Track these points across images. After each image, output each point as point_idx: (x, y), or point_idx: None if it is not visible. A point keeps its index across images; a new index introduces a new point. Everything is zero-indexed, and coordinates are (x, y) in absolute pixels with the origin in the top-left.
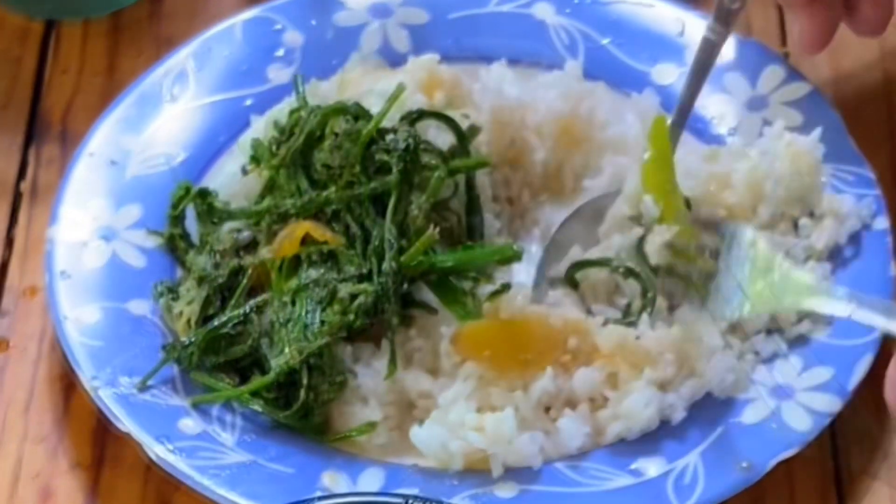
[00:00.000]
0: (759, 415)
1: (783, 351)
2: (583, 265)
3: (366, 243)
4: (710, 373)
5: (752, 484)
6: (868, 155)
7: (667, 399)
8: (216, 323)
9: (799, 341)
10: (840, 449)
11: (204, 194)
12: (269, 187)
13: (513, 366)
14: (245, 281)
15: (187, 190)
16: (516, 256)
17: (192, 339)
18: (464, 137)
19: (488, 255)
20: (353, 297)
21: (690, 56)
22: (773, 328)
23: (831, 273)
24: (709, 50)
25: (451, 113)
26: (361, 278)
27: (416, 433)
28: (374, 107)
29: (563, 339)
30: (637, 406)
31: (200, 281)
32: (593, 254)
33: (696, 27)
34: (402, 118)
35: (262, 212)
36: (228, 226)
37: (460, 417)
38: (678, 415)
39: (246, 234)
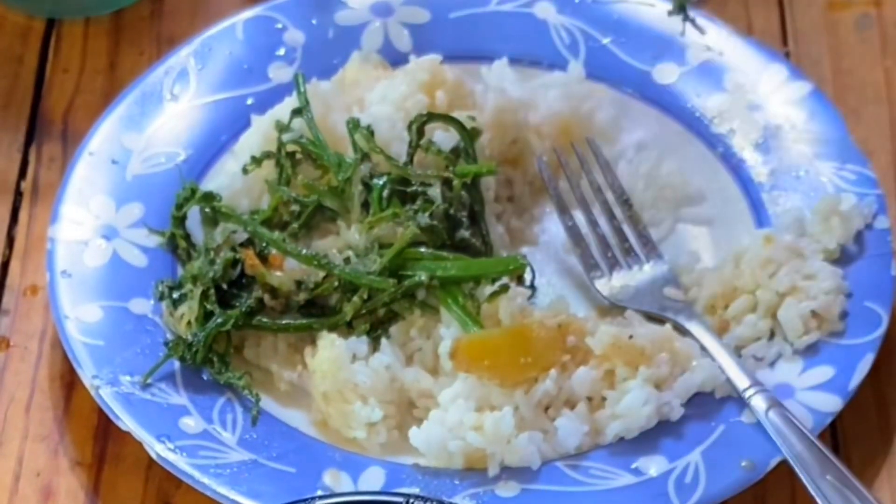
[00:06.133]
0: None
1: (785, 351)
2: None
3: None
4: (702, 367)
5: (753, 483)
6: (869, 154)
7: (663, 397)
8: (220, 320)
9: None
10: (841, 448)
11: (209, 197)
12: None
13: (513, 371)
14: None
15: (193, 191)
16: (521, 269)
17: (197, 337)
18: (471, 140)
19: (493, 268)
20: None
21: (691, 56)
22: (780, 337)
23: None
24: None
25: (457, 114)
26: None
27: (416, 434)
28: (373, 106)
29: (561, 339)
30: (635, 405)
31: (195, 280)
32: None
33: (697, 27)
34: (412, 122)
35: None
36: (224, 224)
37: (459, 417)
38: (675, 412)
39: (241, 233)
